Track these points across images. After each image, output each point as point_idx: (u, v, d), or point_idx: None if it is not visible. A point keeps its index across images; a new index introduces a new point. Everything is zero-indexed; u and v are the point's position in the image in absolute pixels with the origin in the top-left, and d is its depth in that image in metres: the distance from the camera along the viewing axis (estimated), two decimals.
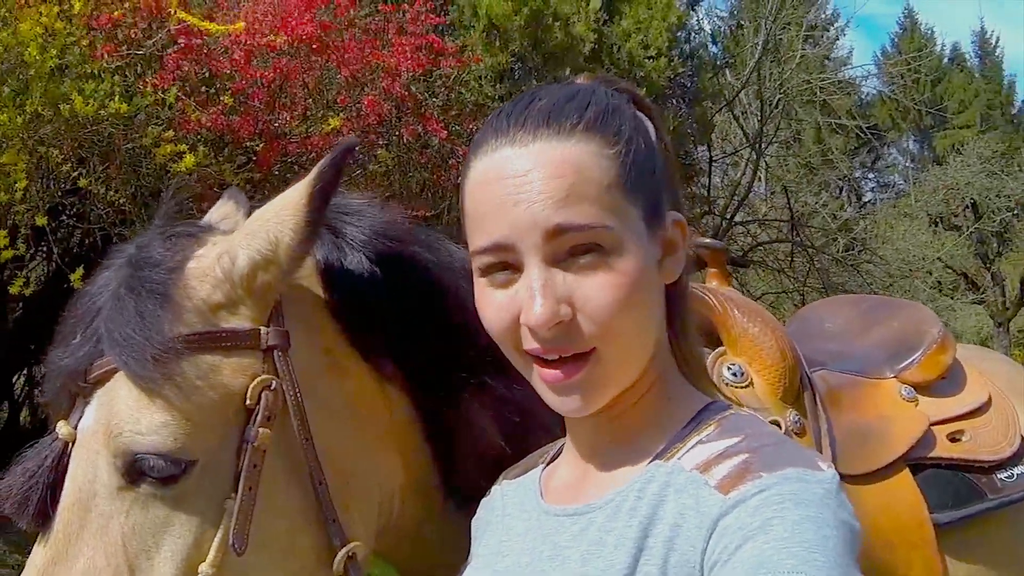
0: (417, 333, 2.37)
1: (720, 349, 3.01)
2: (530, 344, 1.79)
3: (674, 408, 1.89)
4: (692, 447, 1.77)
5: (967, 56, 61.36)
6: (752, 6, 27.14)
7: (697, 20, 25.98)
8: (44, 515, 2.15)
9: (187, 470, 2.08)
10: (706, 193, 24.20)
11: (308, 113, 12.09)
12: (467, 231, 1.87)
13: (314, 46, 11.76)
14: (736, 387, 2.87)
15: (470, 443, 2.41)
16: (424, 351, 2.37)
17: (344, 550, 2.17)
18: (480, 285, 1.86)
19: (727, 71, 26.33)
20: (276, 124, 11.45)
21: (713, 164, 25.43)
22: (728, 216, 24.82)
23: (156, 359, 2.06)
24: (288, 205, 2.17)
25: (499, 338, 1.86)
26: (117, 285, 2.19)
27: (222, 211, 2.57)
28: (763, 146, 25.71)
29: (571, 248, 1.75)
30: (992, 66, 60.99)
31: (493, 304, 1.83)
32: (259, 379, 2.12)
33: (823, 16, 35.81)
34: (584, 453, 1.95)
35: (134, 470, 2.08)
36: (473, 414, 2.39)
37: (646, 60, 18.73)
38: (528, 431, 2.35)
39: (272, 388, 2.13)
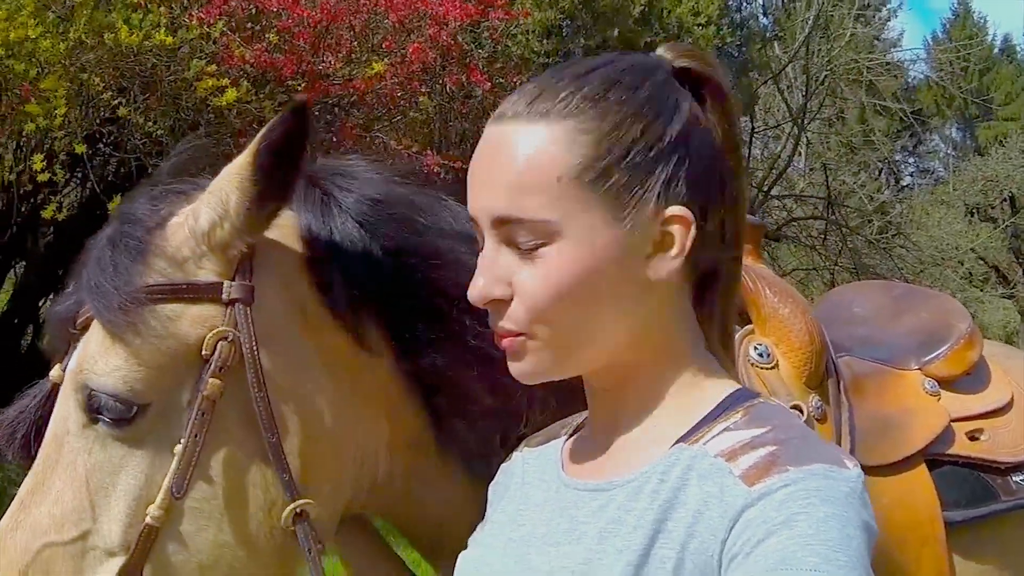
0: (399, 293, 2.38)
1: (748, 328, 2.98)
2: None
3: (699, 392, 1.86)
4: (718, 434, 1.75)
5: (1018, 48, 61.04)
6: None
7: None
8: (27, 449, 2.29)
9: (140, 413, 2.15)
10: (746, 164, 24.23)
11: (353, 56, 12.13)
12: None
13: None
14: (761, 368, 2.84)
15: (455, 403, 2.43)
16: (406, 311, 2.38)
17: (292, 506, 2.19)
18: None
19: (776, 44, 26.27)
20: (320, 65, 11.49)
21: (755, 136, 25.42)
22: (765, 189, 24.84)
23: (121, 307, 2.14)
24: (236, 164, 2.21)
25: None
26: (104, 239, 2.28)
27: None
28: (805, 122, 25.67)
29: (514, 235, 1.77)
30: None
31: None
32: (216, 330, 2.16)
33: None
34: (606, 429, 1.93)
35: (91, 407, 2.16)
36: (456, 374, 2.39)
37: (696, 27, 18.71)
38: (520, 391, 2.25)
39: (229, 339, 2.16)
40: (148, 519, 2.11)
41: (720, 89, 1.87)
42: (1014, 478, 3.20)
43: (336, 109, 12.67)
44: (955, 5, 60.53)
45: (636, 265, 1.78)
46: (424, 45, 12.24)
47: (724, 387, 1.87)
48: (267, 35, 10.77)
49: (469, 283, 1.97)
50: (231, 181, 2.19)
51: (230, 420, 2.18)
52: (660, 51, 1.92)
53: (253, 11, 11.12)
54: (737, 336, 2.84)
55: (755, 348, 2.88)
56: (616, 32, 17.44)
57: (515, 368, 1.86)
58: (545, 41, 16.59)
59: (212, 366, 2.14)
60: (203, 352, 2.16)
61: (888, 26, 38.25)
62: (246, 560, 2.21)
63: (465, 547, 2.07)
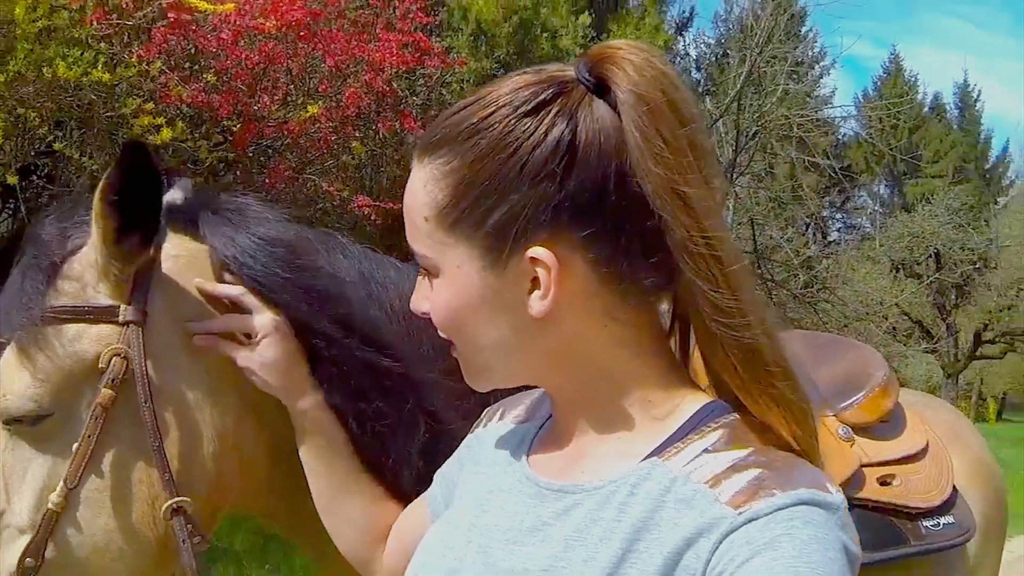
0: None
1: None
2: None
3: (668, 405, 1.81)
4: (698, 455, 1.70)
5: (947, 107, 61.90)
6: (740, 37, 27.35)
7: (684, 45, 26.15)
8: None
9: (45, 418, 2.43)
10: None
11: (288, 98, 12.19)
12: None
13: (302, 33, 11.87)
14: None
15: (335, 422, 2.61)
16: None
17: (169, 502, 2.44)
18: None
19: (707, 98, 26.47)
20: (256, 106, 11.55)
21: None
22: None
23: (26, 327, 2.44)
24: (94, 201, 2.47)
25: None
26: (21, 263, 2.55)
27: (167, 200, 2.73)
28: (735, 176, 25.86)
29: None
30: (971, 120, 61.57)
31: None
32: (111, 348, 2.43)
33: (810, 54, 36.07)
34: (568, 430, 1.92)
35: (5, 412, 2.45)
36: (330, 397, 2.56)
37: None
38: (387, 410, 2.57)
39: (122, 356, 2.43)
40: (50, 504, 2.39)
41: (626, 91, 1.70)
42: (924, 523, 3.26)
43: (270, 150, 12.71)
44: (887, 63, 61.25)
45: (514, 303, 1.77)
46: (360, 90, 12.32)
47: (696, 400, 1.82)
48: (205, 75, 10.80)
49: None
50: (92, 218, 2.44)
51: (121, 425, 2.44)
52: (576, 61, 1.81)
53: (192, 50, 11.17)
54: None
55: None
56: None
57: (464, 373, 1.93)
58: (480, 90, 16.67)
59: (106, 378, 2.40)
60: (100, 366, 2.42)
61: (821, 83, 38.58)
62: (133, 545, 2.48)
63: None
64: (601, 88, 1.72)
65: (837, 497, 1.62)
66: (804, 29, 36.27)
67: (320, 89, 12.33)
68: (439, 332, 1.86)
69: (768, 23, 25.68)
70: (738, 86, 24.48)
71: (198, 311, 2.54)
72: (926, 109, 59.10)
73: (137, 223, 2.41)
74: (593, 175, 1.69)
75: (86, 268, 2.48)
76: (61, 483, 2.39)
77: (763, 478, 1.61)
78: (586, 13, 18.30)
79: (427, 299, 1.84)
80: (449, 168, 1.74)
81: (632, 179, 1.68)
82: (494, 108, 1.72)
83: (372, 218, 12.70)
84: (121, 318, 2.44)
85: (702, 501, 1.62)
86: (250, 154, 12.09)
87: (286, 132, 11.95)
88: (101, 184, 2.39)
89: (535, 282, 1.74)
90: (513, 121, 1.71)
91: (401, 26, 13.13)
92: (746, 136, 25.70)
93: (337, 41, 12.33)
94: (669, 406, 1.80)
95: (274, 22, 11.26)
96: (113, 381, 2.40)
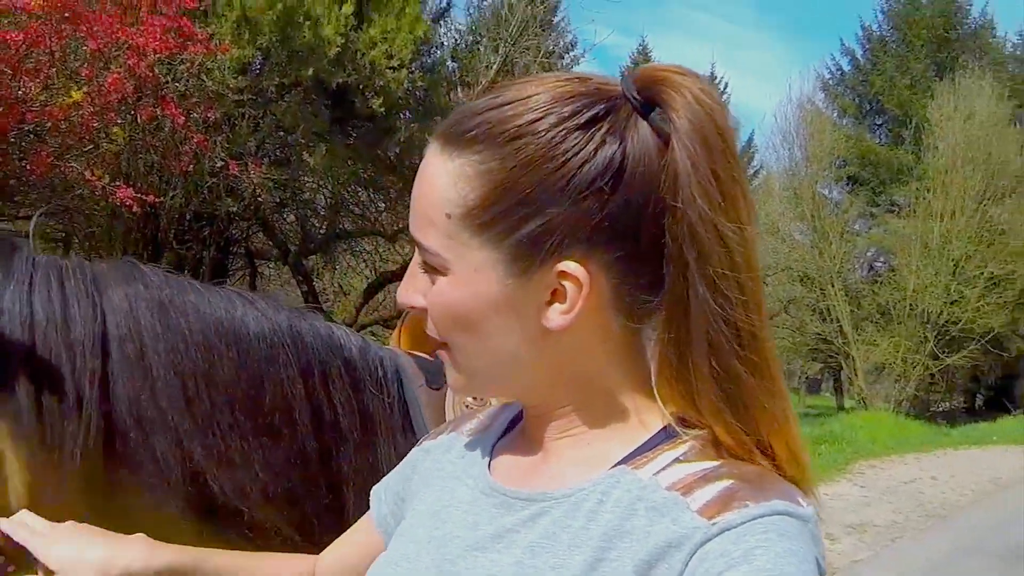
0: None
1: None
2: None
3: (639, 417, 1.79)
4: (669, 464, 1.68)
5: None
6: (494, 27, 27.66)
7: (439, 35, 26.31)
8: None
9: None
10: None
11: (50, 82, 12.02)
12: None
13: (67, 14, 11.67)
14: None
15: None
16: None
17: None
18: None
19: (459, 88, 26.71)
20: (20, 91, 11.37)
21: None
22: None
23: None
24: None
25: None
26: None
27: None
28: None
29: (422, 257, 1.75)
30: None
31: None
32: None
33: (561, 43, 36.63)
34: (538, 437, 1.88)
35: None
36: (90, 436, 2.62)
37: (388, 70, 19.02)
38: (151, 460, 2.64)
39: None
40: None
41: (683, 118, 1.64)
42: None
43: (31, 136, 12.54)
44: (635, 53, 62.07)
45: (530, 312, 1.71)
46: (123, 75, 12.23)
47: (667, 416, 1.77)
48: None
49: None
50: None
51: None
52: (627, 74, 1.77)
53: None
54: None
55: None
56: (311, 71, 17.66)
57: (448, 376, 1.86)
58: (240, 77, 16.77)
59: None
60: None
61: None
62: None
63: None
64: (647, 109, 1.68)
65: (809, 510, 1.61)
66: (556, 19, 36.95)
67: (84, 74, 12.18)
68: (434, 328, 1.78)
69: (524, 14, 26.08)
70: (491, 75, 24.69)
71: None
72: None
73: None
74: (635, 198, 1.65)
75: None
76: None
77: (735, 489, 1.59)
78: (349, 2, 18.34)
79: (422, 294, 1.76)
80: (486, 168, 1.67)
81: (664, 207, 1.65)
82: (541, 114, 1.66)
83: (132, 208, 12.68)
84: None
85: (674, 509, 1.59)
86: (12, 139, 11.90)
87: (48, 117, 11.79)
88: None
89: (555, 294, 1.69)
90: (562, 132, 1.65)
91: (166, 10, 12.97)
92: None
93: (101, 23, 12.10)
94: (642, 417, 1.78)
95: (40, 1, 11.08)
96: None
